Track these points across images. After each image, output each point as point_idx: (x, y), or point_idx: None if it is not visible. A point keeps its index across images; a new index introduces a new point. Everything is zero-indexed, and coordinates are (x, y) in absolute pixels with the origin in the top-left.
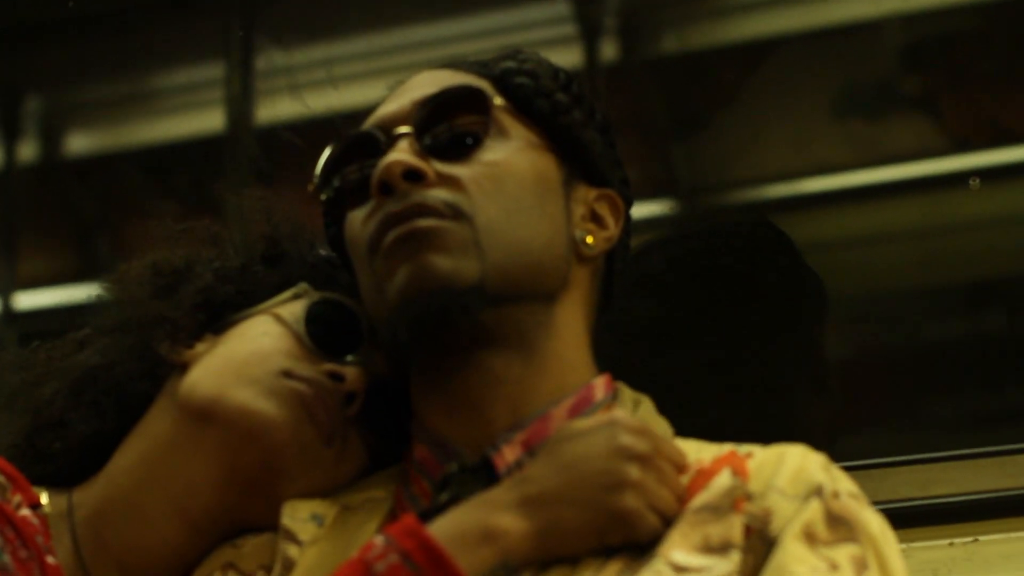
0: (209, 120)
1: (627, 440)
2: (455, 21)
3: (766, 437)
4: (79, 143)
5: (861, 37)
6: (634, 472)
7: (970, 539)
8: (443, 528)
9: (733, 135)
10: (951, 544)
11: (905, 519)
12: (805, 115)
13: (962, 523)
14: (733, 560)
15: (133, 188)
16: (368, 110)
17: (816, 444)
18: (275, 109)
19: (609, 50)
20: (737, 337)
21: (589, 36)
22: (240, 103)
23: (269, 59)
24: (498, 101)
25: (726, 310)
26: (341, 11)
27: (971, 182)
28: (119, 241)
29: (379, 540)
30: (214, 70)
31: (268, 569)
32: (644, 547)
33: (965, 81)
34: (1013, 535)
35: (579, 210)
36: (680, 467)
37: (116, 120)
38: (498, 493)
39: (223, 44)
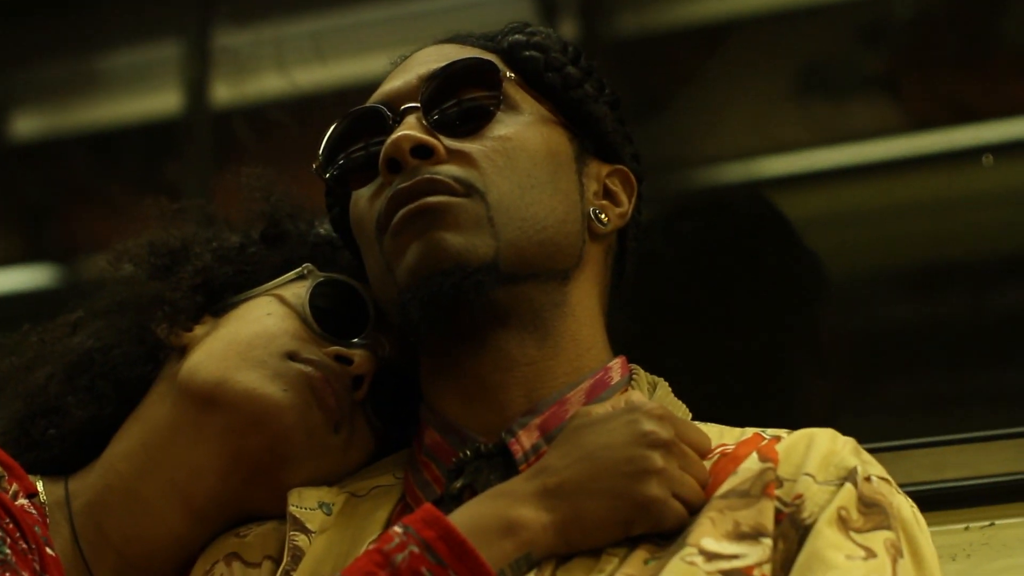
0: (164, 101)
1: (649, 426)
2: (409, 1)
3: (767, 419)
4: (28, 125)
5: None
6: (657, 459)
7: (987, 523)
8: (462, 519)
9: (693, 115)
10: (967, 528)
11: (920, 503)
12: (765, 95)
13: (978, 507)
14: (765, 546)
15: (84, 171)
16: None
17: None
18: (233, 89)
19: (567, 29)
20: (735, 317)
21: (548, 15)
22: (197, 83)
23: (226, 37)
24: (508, 75)
25: (722, 290)
26: None
27: (984, 159)
28: (69, 225)
29: (397, 530)
30: (169, 49)
31: (274, 559)
32: (669, 535)
33: (926, 61)
34: None
35: (592, 186)
36: (703, 452)
37: (65, 101)
38: (518, 484)
39: (179, 23)
